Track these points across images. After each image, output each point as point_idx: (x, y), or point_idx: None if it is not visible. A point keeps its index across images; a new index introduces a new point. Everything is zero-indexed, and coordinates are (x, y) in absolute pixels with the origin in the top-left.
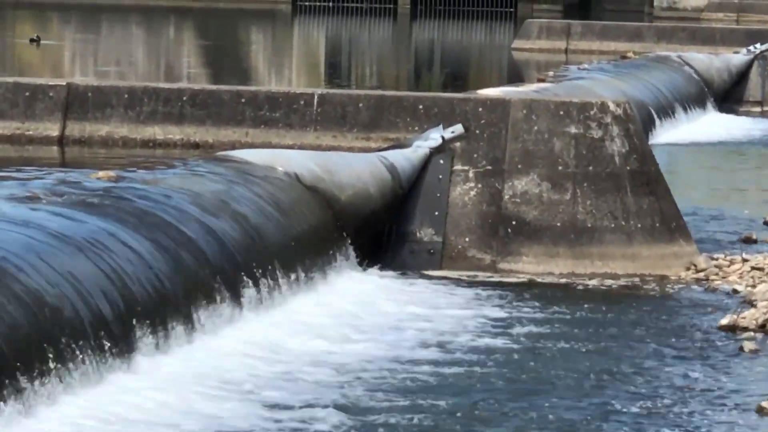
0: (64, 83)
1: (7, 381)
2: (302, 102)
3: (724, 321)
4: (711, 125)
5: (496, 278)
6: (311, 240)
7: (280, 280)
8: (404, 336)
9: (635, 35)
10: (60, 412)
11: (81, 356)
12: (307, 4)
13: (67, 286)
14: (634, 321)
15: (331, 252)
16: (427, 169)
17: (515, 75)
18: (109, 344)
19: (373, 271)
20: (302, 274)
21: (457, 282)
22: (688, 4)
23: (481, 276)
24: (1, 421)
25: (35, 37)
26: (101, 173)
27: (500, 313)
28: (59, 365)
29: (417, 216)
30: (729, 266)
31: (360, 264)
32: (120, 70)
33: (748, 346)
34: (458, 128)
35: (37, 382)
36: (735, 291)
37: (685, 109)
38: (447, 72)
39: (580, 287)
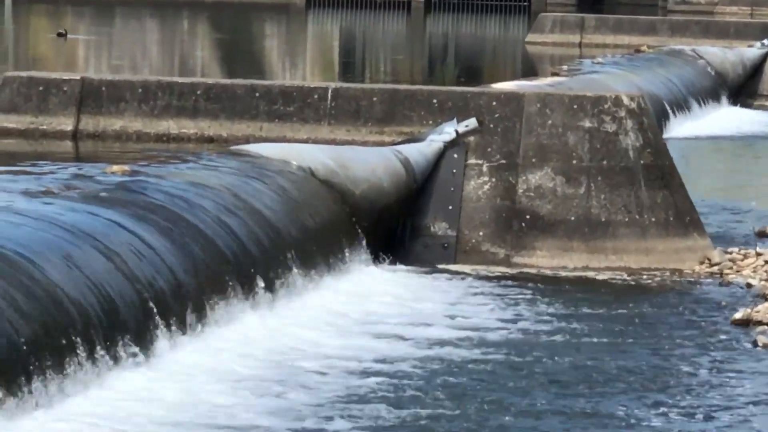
0: (78, 77)
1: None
2: (316, 96)
3: (738, 315)
4: (725, 119)
5: (510, 272)
6: (325, 234)
7: (294, 274)
8: (417, 331)
9: (649, 29)
10: None
11: (87, 356)
12: None
13: (80, 281)
14: (648, 315)
15: (344, 246)
16: (441, 163)
17: (529, 69)
18: (121, 342)
19: (387, 266)
20: (316, 269)
21: (472, 276)
22: None
23: (495, 270)
24: None
25: (62, 32)
26: (115, 167)
27: (514, 308)
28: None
29: (431, 210)
30: (743, 260)
31: (374, 258)
32: (149, 63)
33: (762, 340)
34: (472, 122)
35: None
36: (749, 285)
37: (699, 103)
38: (461, 66)
39: (594, 281)
